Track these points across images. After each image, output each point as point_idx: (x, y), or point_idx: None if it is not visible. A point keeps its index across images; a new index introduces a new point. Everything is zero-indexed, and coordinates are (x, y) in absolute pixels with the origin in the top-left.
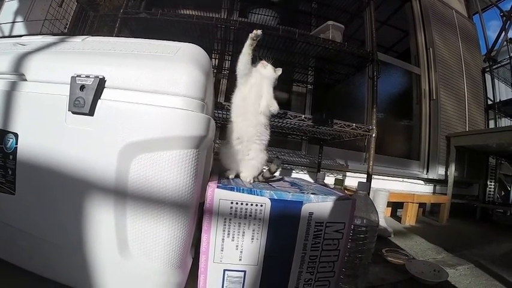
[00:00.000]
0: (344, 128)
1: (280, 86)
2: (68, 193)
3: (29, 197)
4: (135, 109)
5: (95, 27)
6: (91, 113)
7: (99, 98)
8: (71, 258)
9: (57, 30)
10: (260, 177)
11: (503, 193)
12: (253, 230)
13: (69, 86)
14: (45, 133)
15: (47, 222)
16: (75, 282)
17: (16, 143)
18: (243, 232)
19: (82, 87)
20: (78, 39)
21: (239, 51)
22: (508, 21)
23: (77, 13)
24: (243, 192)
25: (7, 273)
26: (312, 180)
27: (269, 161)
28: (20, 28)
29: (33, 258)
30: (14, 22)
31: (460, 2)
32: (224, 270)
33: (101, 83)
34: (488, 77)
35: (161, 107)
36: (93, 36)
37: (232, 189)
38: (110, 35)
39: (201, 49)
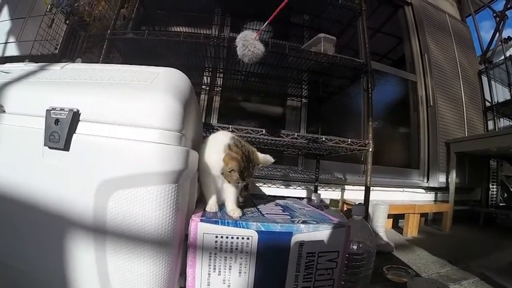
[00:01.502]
0: (339, 144)
1: (274, 101)
2: (47, 230)
3: (9, 233)
4: (110, 144)
5: (83, 47)
6: (66, 148)
7: (74, 132)
8: None
9: (47, 51)
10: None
11: (506, 195)
12: (241, 264)
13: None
14: (24, 168)
15: (28, 258)
16: None
17: None
18: (230, 266)
19: (57, 121)
20: (57, 67)
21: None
22: (502, 22)
23: (67, 34)
24: (228, 226)
25: None
26: (309, 197)
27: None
28: (12, 48)
29: None
30: (6, 43)
31: (452, 6)
32: None
33: (75, 117)
34: (484, 78)
35: (136, 141)
36: (73, 62)
37: (216, 222)
38: (99, 55)
39: (181, 74)
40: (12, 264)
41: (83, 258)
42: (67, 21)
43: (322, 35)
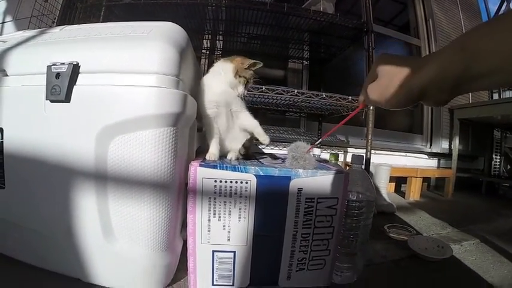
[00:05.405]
0: (340, 101)
1: (276, 63)
2: (52, 182)
3: (18, 189)
4: (109, 91)
5: (80, 18)
6: (67, 99)
7: (75, 84)
8: (59, 246)
9: (45, 25)
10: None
11: (509, 167)
12: (240, 209)
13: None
14: (28, 125)
15: (35, 213)
16: (64, 269)
17: (2, 138)
18: (230, 211)
19: (57, 75)
20: (56, 30)
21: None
22: None
23: (64, 6)
24: (226, 170)
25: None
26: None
27: None
28: (10, 28)
29: (25, 249)
30: (3, 23)
31: None
32: (213, 251)
33: (75, 69)
34: None
35: (134, 87)
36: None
37: (215, 166)
38: None
39: (178, 26)
40: (23, 224)
41: (86, 206)
42: None
43: None
